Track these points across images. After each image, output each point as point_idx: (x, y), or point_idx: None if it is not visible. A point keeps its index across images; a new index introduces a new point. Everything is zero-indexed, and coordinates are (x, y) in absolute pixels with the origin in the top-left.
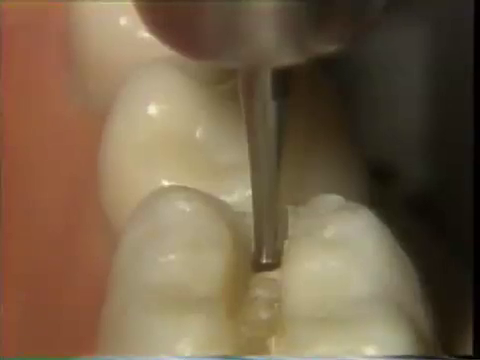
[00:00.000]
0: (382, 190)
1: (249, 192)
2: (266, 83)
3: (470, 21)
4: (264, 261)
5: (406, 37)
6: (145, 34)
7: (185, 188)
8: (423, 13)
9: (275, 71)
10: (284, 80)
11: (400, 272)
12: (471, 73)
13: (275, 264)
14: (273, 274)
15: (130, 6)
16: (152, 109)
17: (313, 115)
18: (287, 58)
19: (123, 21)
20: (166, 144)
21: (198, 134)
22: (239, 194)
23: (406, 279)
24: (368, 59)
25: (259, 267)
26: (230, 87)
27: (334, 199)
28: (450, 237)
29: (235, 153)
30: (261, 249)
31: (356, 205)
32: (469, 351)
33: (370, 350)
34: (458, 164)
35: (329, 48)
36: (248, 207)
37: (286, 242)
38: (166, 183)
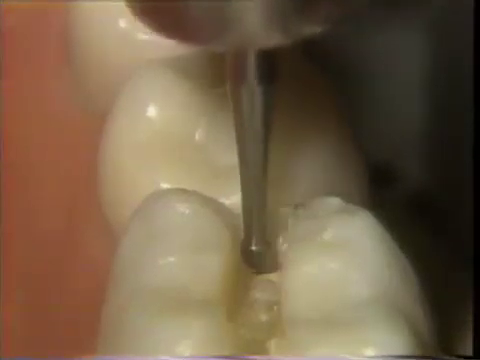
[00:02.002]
0: (382, 190)
1: None
2: (252, 68)
3: (470, 21)
4: (253, 248)
5: (406, 37)
6: (144, 35)
7: (184, 190)
8: (423, 13)
9: (261, 55)
10: (270, 65)
11: (399, 274)
12: (471, 73)
13: (274, 266)
14: (272, 276)
15: None
16: (152, 111)
17: (312, 115)
18: (273, 40)
19: (122, 22)
20: (166, 145)
21: (198, 136)
22: (238, 196)
23: (405, 281)
24: (368, 59)
25: (259, 270)
26: None
27: (333, 201)
28: (450, 237)
29: (234, 155)
30: (250, 236)
31: (355, 207)
32: (469, 351)
33: (369, 352)
34: (458, 164)
35: (315, 30)
36: None
37: (285, 244)
38: (165, 185)
